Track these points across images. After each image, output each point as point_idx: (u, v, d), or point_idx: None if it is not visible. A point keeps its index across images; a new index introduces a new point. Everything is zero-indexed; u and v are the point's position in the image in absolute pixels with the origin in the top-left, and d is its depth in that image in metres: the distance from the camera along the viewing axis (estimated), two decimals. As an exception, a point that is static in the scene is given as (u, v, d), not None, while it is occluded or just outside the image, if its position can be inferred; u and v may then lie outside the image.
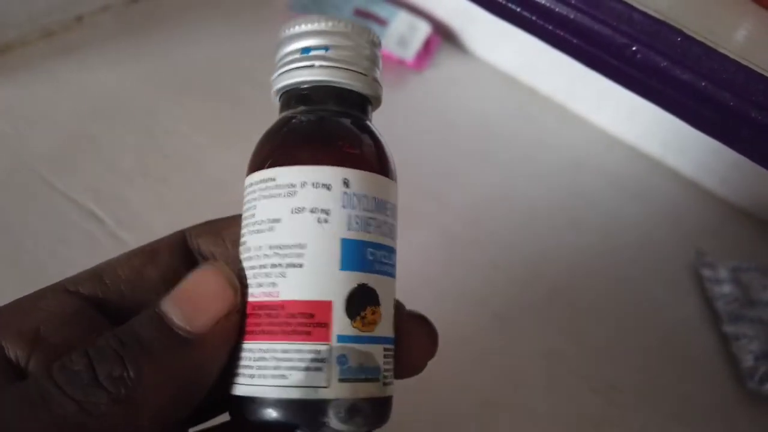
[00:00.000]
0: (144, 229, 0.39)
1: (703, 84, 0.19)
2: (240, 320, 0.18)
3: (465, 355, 0.40)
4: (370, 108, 0.21)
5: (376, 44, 0.20)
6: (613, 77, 0.20)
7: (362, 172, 0.18)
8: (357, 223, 0.18)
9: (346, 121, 0.19)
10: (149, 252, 0.21)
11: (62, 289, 0.19)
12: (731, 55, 0.19)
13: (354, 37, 0.20)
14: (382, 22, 0.58)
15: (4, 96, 0.44)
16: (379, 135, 0.20)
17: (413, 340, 0.20)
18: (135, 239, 0.38)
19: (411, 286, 0.41)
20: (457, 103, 0.57)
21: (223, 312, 0.17)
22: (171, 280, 0.20)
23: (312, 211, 0.18)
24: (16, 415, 0.15)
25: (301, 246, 0.18)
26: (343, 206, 0.18)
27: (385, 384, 0.18)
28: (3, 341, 0.18)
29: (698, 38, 0.19)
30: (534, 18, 0.21)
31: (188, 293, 0.18)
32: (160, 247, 0.21)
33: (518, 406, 0.38)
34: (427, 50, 0.59)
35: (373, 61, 0.20)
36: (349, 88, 0.19)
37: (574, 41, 0.20)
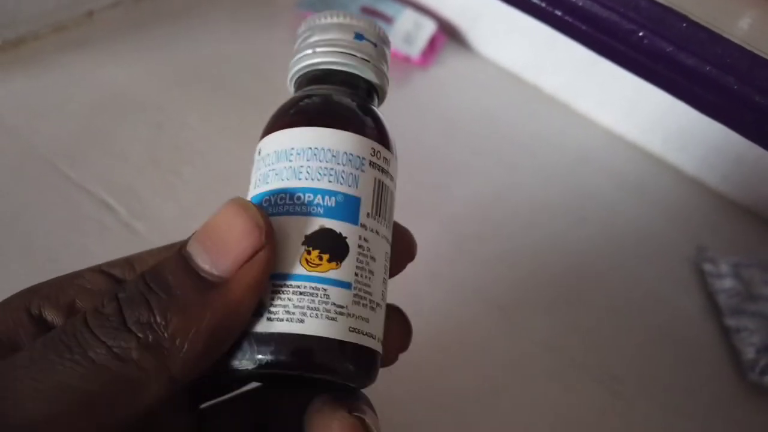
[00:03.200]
0: (155, 218, 0.40)
1: (708, 69, 0.20)
2: (268, 260, 0.17)
3: (469, 345, 0.40)
4: (319, 76, 0.22)
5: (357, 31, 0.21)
6: (620, 62, 0.21)
7: (270, 135, 0.20)
8: (259, 180, 0.20)
9: (289, 101, 0.21)
10: (177, 244, 0.22)
11: (98, 269, 0.20)
12: (735, 41, 0.19)
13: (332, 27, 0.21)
14: (389, 20, 0.59)
15: (17, 89, 0.45)
16: (305, 98, 0.21)
17: (388, 332, 0.20)
18: (147, 228, 0.39)
19: (417, 278, 0.42)
20: (462, 100, 0.57)
21: (248, 252, 0.17)
22: None
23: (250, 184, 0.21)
24: (41, 362, 0.15)
25: None
26: (255, 171, 0.20)
27: (270, 319, 0.18)
28: (43, 309, 0.19)
29: (703, 24, 0.19)
30: (543, 5, 0.21)
31: (211, 232, 0.17)
32: None
33: (522, 397, 0.38)
34: (432, 48, 0.59)
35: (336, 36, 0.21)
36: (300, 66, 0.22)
37: (583, 27, 0.21)
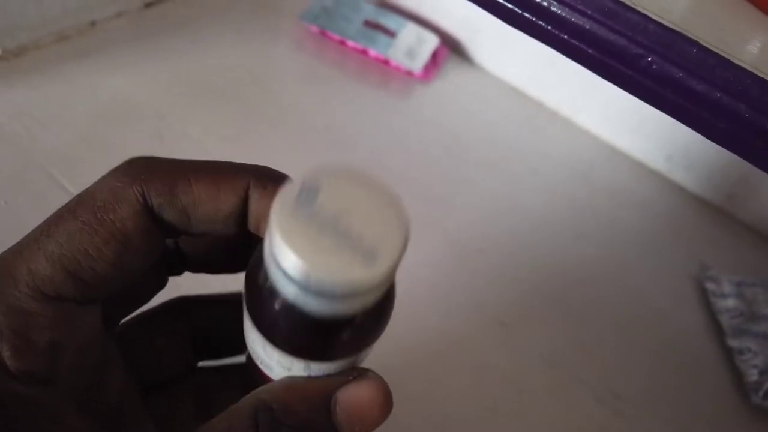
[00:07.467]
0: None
1: (718, 95, 0.19)
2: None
3: (469, 362, 0.40)
4: None
5: None
6: (628, 88, 0.21)
7: None
8: None
9: None
10: (120, 238, 0.18)
11: (40, 296, 0.17)
12: (746, 67, 0.19)
13: None
14: (391, 34, 0.59)
15: (17, 97, 0.44)
16: None
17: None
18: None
19: (417, 293, 0.41)
20: (463, 114, 0.57)
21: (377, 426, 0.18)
22: (150, 265, 0.19)
23: None
24: None
25: None
26: None
27: None
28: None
29: (713, 49, 0.19)
30: (549, 28, 0.21)
31: (360, 411, 0.18)
32: (127, 228, 0.18)
33: (522, 414, 0.38)
34: (434, 62, 0.59)
35: None
36: None
37: (590, 51, 0.21)
